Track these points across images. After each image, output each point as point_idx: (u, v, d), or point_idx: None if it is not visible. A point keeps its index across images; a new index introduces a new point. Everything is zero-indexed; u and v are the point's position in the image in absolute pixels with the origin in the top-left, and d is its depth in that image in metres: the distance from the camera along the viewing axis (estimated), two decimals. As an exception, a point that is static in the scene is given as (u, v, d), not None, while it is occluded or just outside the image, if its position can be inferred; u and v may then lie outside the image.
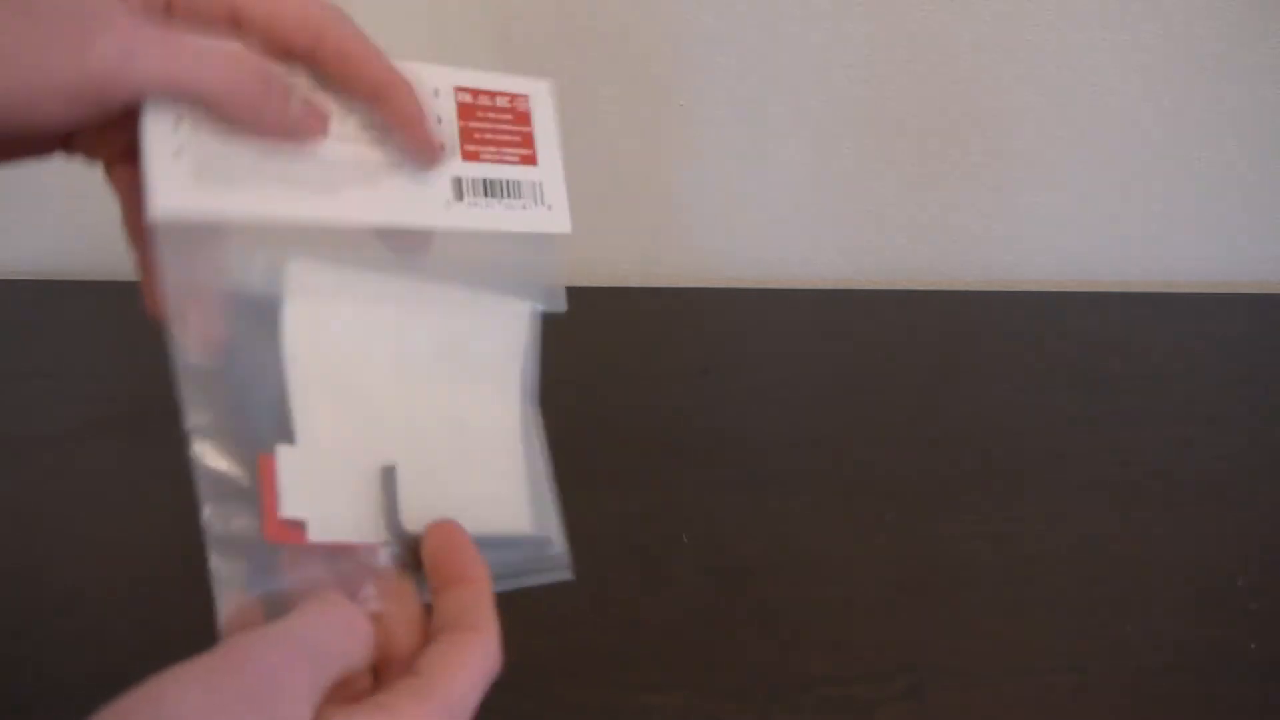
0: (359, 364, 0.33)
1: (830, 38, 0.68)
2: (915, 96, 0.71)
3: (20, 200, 0.76)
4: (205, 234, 0.30)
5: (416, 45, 0.70)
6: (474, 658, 0.28)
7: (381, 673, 0.29)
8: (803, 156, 0.73)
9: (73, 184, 0.66)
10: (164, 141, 0.29)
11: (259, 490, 0.29)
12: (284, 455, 0.30)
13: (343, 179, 0.32)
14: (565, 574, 0.35)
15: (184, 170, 0.29)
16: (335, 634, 0.27)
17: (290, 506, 0.29)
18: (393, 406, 0.33)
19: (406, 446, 0.33)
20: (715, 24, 0.68)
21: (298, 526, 0.29)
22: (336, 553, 0.30)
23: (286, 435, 0.31)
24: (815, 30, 0.68)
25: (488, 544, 0.33)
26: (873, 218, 0.76)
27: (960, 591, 0.52)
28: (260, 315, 0.32)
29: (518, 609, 0.50)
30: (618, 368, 0.67)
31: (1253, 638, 0.49)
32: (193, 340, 0.30)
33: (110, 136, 0.30)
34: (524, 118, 0.36)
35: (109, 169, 0.32)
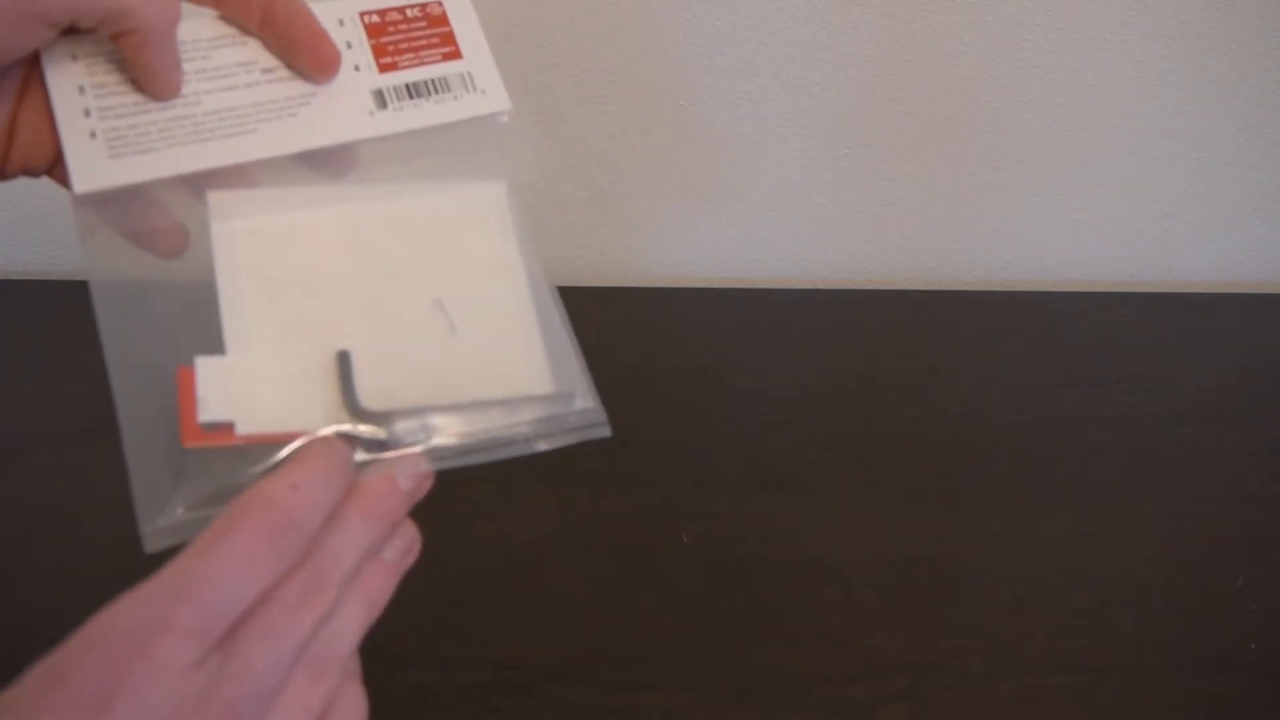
0: (303, 265, 0.33)
1: (830, 37, 0.68)
2: (915, 96, 0.71)
3: (20, 200, 0.75)
4: (128, 194, 0.31)
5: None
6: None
7: None
8: (803, 156, 0.73)
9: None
10: (75, 117, 0.31)
11: (179, 402, 0.29)
12: (203, 365, 0.30)
13: (257, 118, 0.33)
14: (602, 430, 0.34)
15: (99, 147, 0.31)
16: (221, 577, 0.24)
17: (212, 410, 0.29)
18: (349, 299, 0.33)
19: (370, 333, 0.32)
20: (715, 23, 0.68)
21: (223, 428, 0.29)
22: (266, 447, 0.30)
23: (217, 350, 0.31)
24: (815, 30, 0.68)
25: (502, 407, 0.33)
26: (873, 218, 0.76)
27: (960, 591, 0.52)
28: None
29: (517, 609, 0.50)
30: (618, 368, 0.67)
31: (1253, 638, 0.50)
32: (161, 250, 0.32)
33: (39, 144, 0.31)
34: (440, 20, 0.37)
35: (53, 171, 0.32)
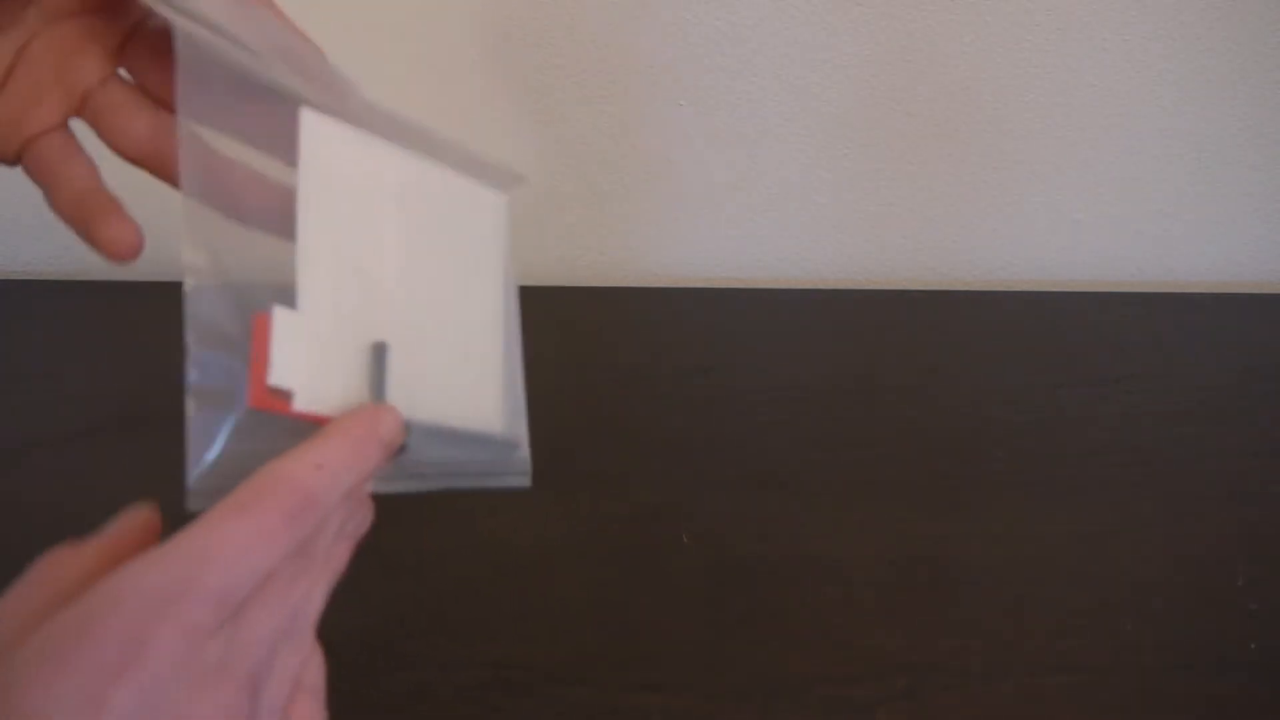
0: (364, 233, 0.31)
1: (830, 37, 0.68)
2: (915, 96, 0.71)
3: (20, 200, 0.75)
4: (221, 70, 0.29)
5: (416, 42, 0.70)
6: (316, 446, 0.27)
7: None
8: (803, 156, 0.73)
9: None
10: None
11: (250, 351, 0.27)
12: (280, 318, 0.28)
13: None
14: (524, 480, 0.34)
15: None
16: (246, 551, 0.24)
17: (280, 374, 0.27)
18: (390, 281, 0.31)
19: (399, 324, 0.31)
20: (715, 23, 0.68)
21: (283, 395, 0.28)
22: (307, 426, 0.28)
23: (287, 298, 0.28)
24: (815, 30, 0.68)
25: (460, 438, 0.32)
26: (873, 218, 0.76)
27: (960, 591, 0.52)
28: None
29: (517, 609, 0.50)
30: (618, 368, 0.67)
31: (1253, 638, 0.49)
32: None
33: (26, 117, 0.31)
34: None
35: (25, 155, 0.32)
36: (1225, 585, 0.52)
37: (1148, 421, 0.63)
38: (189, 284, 0.27)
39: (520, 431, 0.34)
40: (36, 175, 0.32)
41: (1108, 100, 0.71)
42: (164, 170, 0.33)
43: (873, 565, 0.53)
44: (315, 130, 0.30)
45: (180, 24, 0.28)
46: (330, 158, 0.31)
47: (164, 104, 0.33)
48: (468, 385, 0.33)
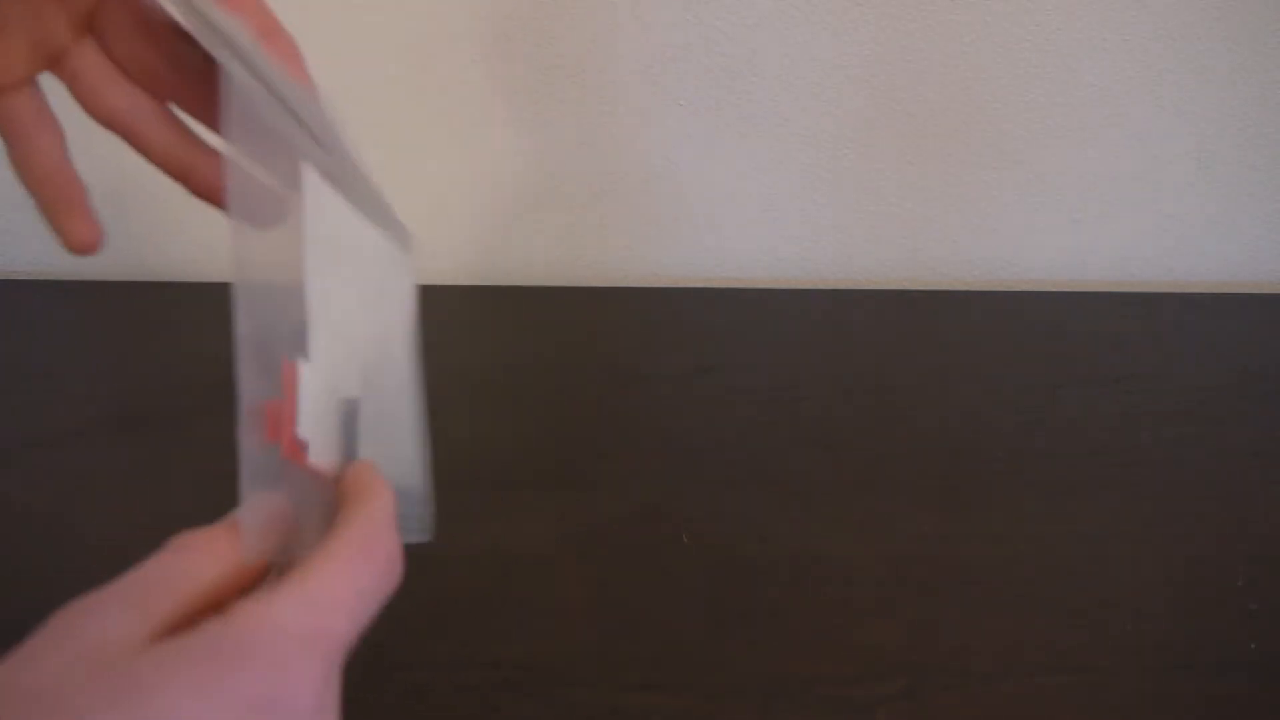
0: (342, 289, 0.31)
1: (830, 37, 0.68)
2: (915, 96, 0.71)
3: (22, 200, 0.75)
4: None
5: (416, 42, 0.70)
6: (374, 506, 0.27)
7: None
8: (803, 156, 0.73)
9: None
10: None
11: (280, 399, 0.27)
12: (305, 370, 0.28)
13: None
14: (426, 535, 0.34)
15: None
16: (367, 595, 0.25)
17: (305, 425, 0.28)
18: (354, 338, 0.32)
19: (359, 380, 0.31)
20: (716, 23, 0.68)
21: (303, 447, 0.28)
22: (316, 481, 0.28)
23: (302, 348, 0.29)
24: (815, 30, 0.68)
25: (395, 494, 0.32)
26: (873, 218, 0.76)
27: (959, 591, 0.52)
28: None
29: (517, 609, 0.50)
30: (618, 368, 0.67)
31: (1253, 638, 0.49)
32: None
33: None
34: None
35: None
36: (1225, 585, 0.52)
37: (1148, 421, 0.63)
38: (240, 333, 0.27)
39: (429, 488, 0.35)
40: (2, 126, 0.32)
41: (1108, 100, 0.71)
42: (135, 139, 0.33)
43: (873, 565, 0.53)
44: (314, 188, 0.31)
45: (232, 66, 0.28)
46: (323, 215, 0.31)
47: (132, 79, 0.33)
48: (396, 443, 0.34)
